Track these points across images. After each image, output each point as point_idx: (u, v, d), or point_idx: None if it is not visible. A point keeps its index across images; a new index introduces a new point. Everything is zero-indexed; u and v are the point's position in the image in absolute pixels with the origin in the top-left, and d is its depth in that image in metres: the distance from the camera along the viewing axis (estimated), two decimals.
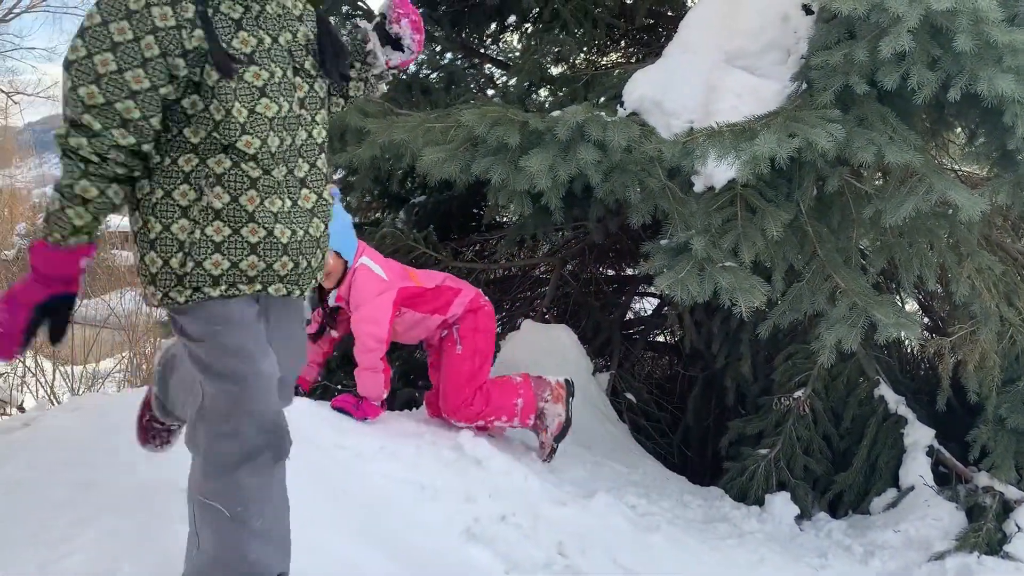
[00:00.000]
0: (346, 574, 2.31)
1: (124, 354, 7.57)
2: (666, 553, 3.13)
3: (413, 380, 5.02)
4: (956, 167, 4.57)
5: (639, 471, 3.95)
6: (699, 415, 4.80)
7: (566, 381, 3.70)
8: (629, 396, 4.79)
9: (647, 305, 5.81)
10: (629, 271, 5.90)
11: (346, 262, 3.24)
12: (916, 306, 4.77)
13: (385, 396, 3.32)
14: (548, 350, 4.43)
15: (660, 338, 5.57)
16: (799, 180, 3.64)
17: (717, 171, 3.56)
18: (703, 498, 3.89)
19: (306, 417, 2.92)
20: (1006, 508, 3.55)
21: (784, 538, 3.62)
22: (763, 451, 4.08)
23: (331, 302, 3.35)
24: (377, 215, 6.07)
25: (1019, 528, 3.44)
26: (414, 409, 3.78)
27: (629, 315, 5.56)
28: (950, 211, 3.56)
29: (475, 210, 6.11)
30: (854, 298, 3.37)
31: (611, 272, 5.83)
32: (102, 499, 2.27)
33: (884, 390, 4.12)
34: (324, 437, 2.82)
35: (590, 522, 3.12)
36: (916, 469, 3.82)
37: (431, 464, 3.01)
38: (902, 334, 3.22)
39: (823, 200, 3.68)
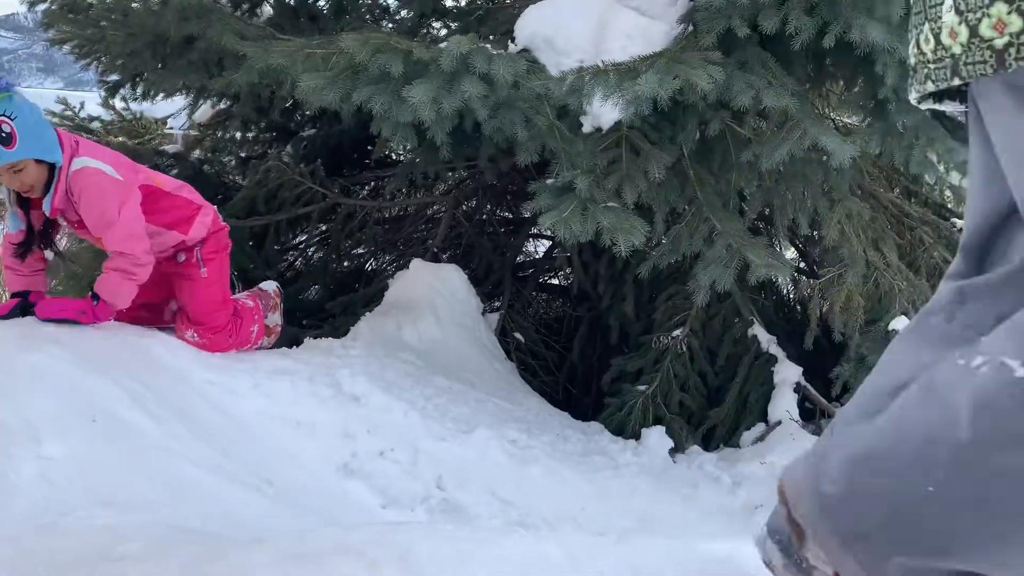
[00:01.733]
0: (215, 511, 2.26)
1: None
2: (543, 485, 3.21)
3: (297, 319, 4.93)
4: (836, 116, 4.73)
5: (522, 407, 4.01)
6: (584, 354, 4.90)
7: (278, 287, 3.60)
8: (518, 336, 4.84)
9: (539, 247, 5.84)
10: (522, 213, 5.91)
11: (52, 165, 2.76)
12: (793, 251, 4.97)
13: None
14: (437, 289, 4.41)
15: (551, 280, 5.62)
16: (682, 123, 3.69)
17: (603, 111, 3.57)
18: (583, 432, 3.99)
19: (175, 352, 2.82)
20: None
21: (658, 470, 3.75)
22: (641, 387, 4.20)
23: (47, 211, 2.82)
24: (262, 149, 5.86)
25: None
26: (294, 347, 3.71)
27: (521, 257, 5.58)
28: (824, 158, 3.69)
29: (368, 147, 5.97)
30: (729, 240, 3.47)
31: (506, 214, 5.82)
32: None
33: (757, 330, 4.29)
34: (193, 373, 2.74)
35: (469, 456, 3.16)
36: (784, 405, 4.01)
37: (307, 401, 2.97)
38: (773, 275, 3.33)
39: (705, 143, 3.74)
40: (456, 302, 4.49)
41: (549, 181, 3.46)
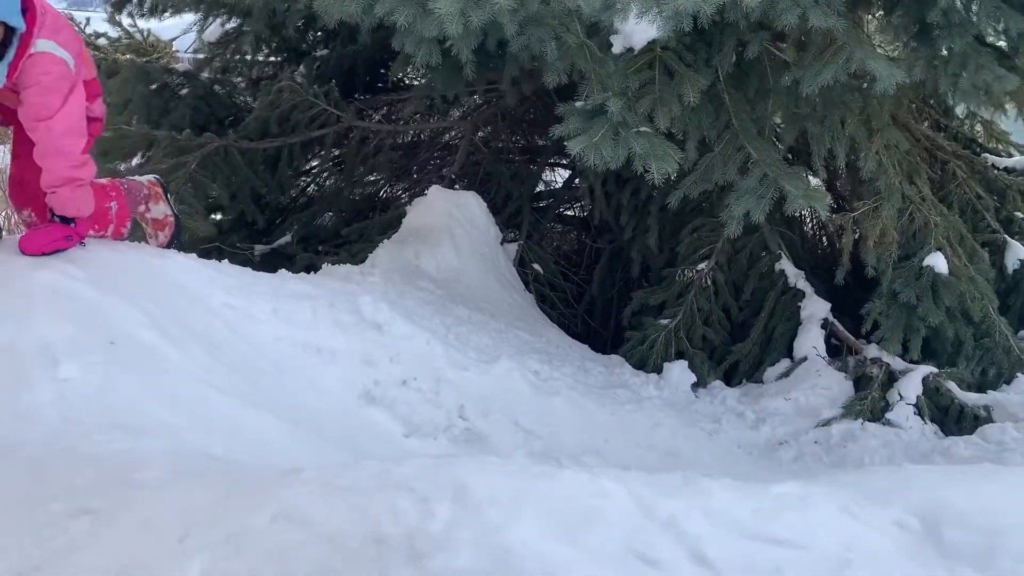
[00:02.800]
0: (235, 434, 2.19)
1: None
2: (566, 416, 3.14)
3: (312, 245, 4.83)
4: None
5: (543, 339, 3.93)
6: (604, 287, 4.80)
7: (155, 177, 3.20)
8: (536, 267, 4.73)
9: (557, 177, 5.68)
10: (540, 142, 5.74)
11: (13, 29, 2.40)
12: (820, 182, 4.80)
13: None
14: (456, 217, 4.29)
15: (569, 211, 5.48)
16: (719, 45, 3.51)
17: (636, 29, 3.38)
18: (604, 365, 3.92)
19: (192, 274, 2.73)
20: (891, 378, 3.71)
21: (680, 404, 3.69)
22: (664, 321, 4.11)
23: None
24: (273, 70, 5.66)
25: (901, 397, 3.60)
26: (311, 273, 3.61)
27: (540, 186, 5.43)
28: (864, 84, 3.52)
29: (381, 70, 5.77)
30: (765, 169, 3.32)
31: (523, 142, 5.65)
32: None
33: (785, 264, 4.18)
34: (211, 296, 2.65)
35: (492, 386, 3.09)
36: (810, 341, 3.92)
37: (328, 327, 2.88)
38: (811, 206, 3.20)
39: (741, 67, 3.56)
40: (475, 230, 4.38)
41: (578, 104, 3.29)
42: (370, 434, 2.74)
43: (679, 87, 3.34)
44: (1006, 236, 4.53)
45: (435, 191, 4.43)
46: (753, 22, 3.26)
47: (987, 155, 5.71)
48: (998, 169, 5.59)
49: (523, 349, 3.57)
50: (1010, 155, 5.95)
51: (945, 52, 3.43)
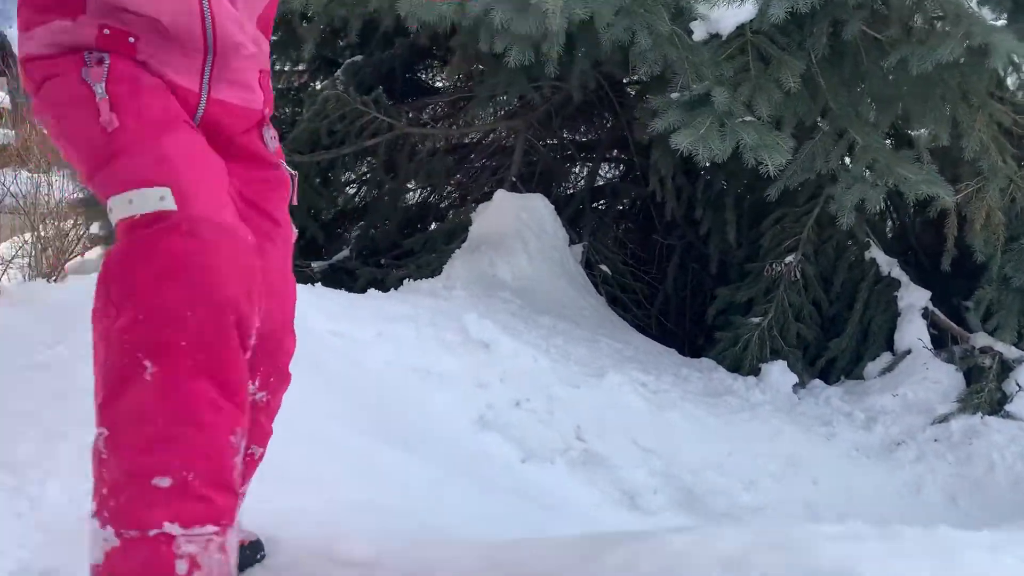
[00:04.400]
0: (360, 468, 2.01)
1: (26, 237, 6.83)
2: (684, 431, 2.95)
3: (371, 258, 4.64)
4: None
5: (631, 346, 3.74)
6: (677, 285, 4.60)
7: None
8: (604, 268, 4.54)
9: (615, 172, 5.48)
10: (593, 136, 5.54)
11: None
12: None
13: None
14: (525, 221, 4.10)
15: (632, 207, 5.28)
16: (811, 26, 3.32)
17: (725, 15, 3.21)
18: (698, 370, 3.72)
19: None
20: (1004, 368, 3.51)
21: (786, 407, 3.50)
22: (755, 319, 3.91)
23: None
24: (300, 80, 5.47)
25: (1020, 387, 3.41)
26: (392, 290, 3.42)
27: (599, 180, 5.23)
28: (962, 60, 3.32)
29: (417, 73, 5.59)
30: (874, 155, 3.13)
31: (575, 137, 5.45)
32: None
33: (876, 252, 3.98)
34: (317, 323, 2.45)
35: (605, 402, 2.90)
36: (913, 332, 3.73)
37: (434, 349, 2.69)
38: (935, 193, 3.00)
39: (835, 49, 3.37)
40: (544, 234, 4.18)
41: (674, 95, 3.10)
42: (485, 461, 2.55)
43: (777, 72, 3.16)
44: None
45: (501, 195, 4.23)
46: (853, 2, 3.07)
47: None
48: None
49: (620, 359, 3.38)
50: None
51: None
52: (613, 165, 5.33)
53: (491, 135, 5.37)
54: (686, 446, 2.89)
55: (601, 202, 5.01)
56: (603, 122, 5.13)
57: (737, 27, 3.26)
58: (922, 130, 3.41)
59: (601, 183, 5.15)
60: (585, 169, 5.13)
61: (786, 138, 2.96)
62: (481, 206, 4.28)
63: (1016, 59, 2.85)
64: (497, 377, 2.73)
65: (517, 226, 4.09)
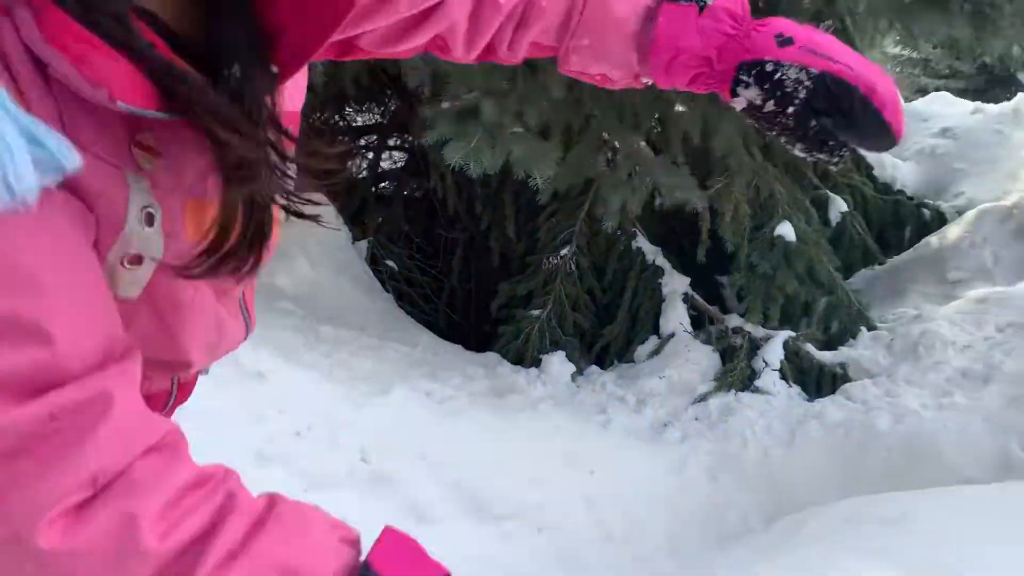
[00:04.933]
0: None
1: None
2: (471, 438, 3.03)
3: None
4: None
5: (419, 348, 3.77)
6: (461, 278, 4.67)
7: None
8: (390, 263, 4.51)
9: (397, 158, 5.41)
10: (362, 119, 5.43)
11: None
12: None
13: None
14: (307, 227, 3.96)
15: (417, 194, 5.24)
16: None
17: None
18: (482, 366, 3.82)
19: None
20: (754, 346, 3.88)
21: (565, 398, 3.68)
22: (535, 312, 4.06)
23: None
24: None
25: (766, 364, 3.79)
26: None
27: (382, 166, 5.14)
28: None
29: None
30: (635, 161, 3.31)
31: (351, 123, 5.31)
32: None
33: (642, 242, 4.24)
34: None
35: (391, 420, 2.91)
36: (676, 317, 4.03)
37: (203, 384, 2.56)
38: (686, 198, 3.23)
39: None
40: (326, 235, 4.09)
41: (445, 105, 3.11)
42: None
43: (545, 80, 3.24)
44: (827, 191, 4.87)
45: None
46: None
47: None
48: None
49: (406, 367, 3.40)
50: None
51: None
52: (396, 154, 5.26)
53: None
54: (472, 452, 2.97)
55: (384, 186, 4.94)
56: (386, 101, 5.00)
57: None
58: (679, 132, 3.63)
59: (385, 169, 5.07)
60: (368, 161, 5.02)
61: (553, 148, 3.06)
62: None
63: None
64: (275, 408, 2.66)
65: (295, 228, 3.96)
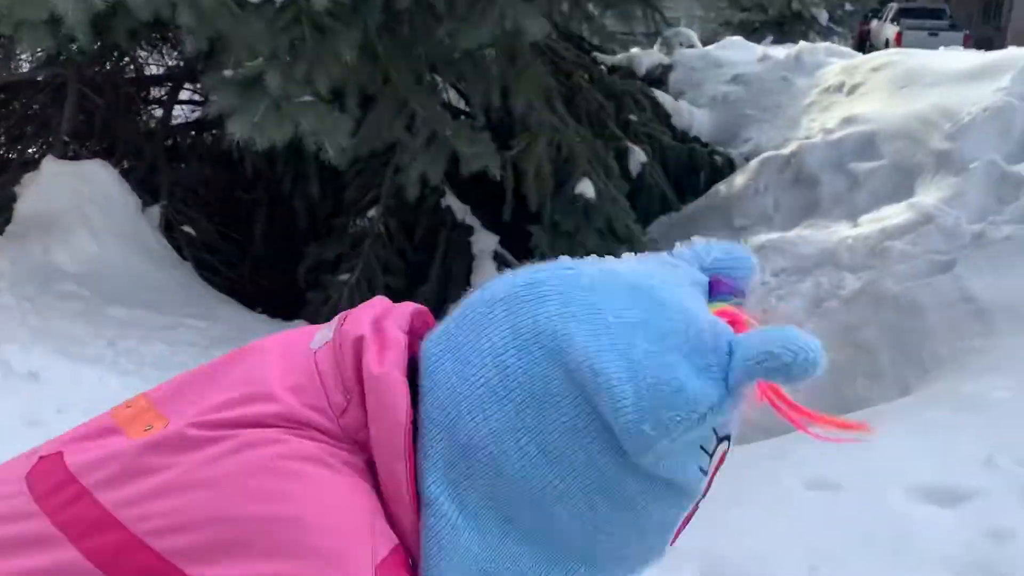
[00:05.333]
0: None
1: None
2: None
3: None
4: None
5: (219, 322, 3.61)
6: (267, 241, 4.50)
7: None
8: (188, 230, 4.27)
9: (189, 110, 5.08)
10: (153, 69, 5.05)
11: None
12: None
13: None
14: (84, 194, 3.67)
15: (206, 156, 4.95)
16: None
17: None
18: None
19: None
20: None
21: None
22: (344, 276, 3.99)
23: None
24: None
25: None
26: None
27: (174, 118, 4.81)
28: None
29: None
30: (433, 126, 3.28)
31: (138, 74, 4.92)
32: None
33: (451, 200, 4.24)
34: None
35: None
36: (486, 275, 4.08)
37: None
38: (483, 165, 3.24)
39: (392, 15, 3.41)
40: (111, 205, 3.81)
41: (227, 73, 2.93)
42: None
43: (335, 43, 3.11)
44: (628, 143, 5.04)
45: (50, 164, 3.73)
46: None
47: (596, 53, 6.23)
48: (607, 68, 6.15)
49: (203, 347, 3.25)
50: (614, 52, 6.56)
51: None
52: (190, 107, 4.93)
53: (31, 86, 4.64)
54: None
55: (174, 145, 4.63)
56: (178, 44, 4.63)
57: None
58: (478, 95, 3.62)
59: (178, 124, 4.75)
60: (155, 118, 4.68)
61: (346, 118, 2.97)
62: (27, 178, 3.74)
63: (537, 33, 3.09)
64: (53, 408, 2.48)
65: (76, 200, 3.66)
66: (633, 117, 5.35)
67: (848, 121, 4.81)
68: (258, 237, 4.47)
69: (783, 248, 4.10)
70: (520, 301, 0.59)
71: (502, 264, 4.22)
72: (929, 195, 4.09)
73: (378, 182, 4.13)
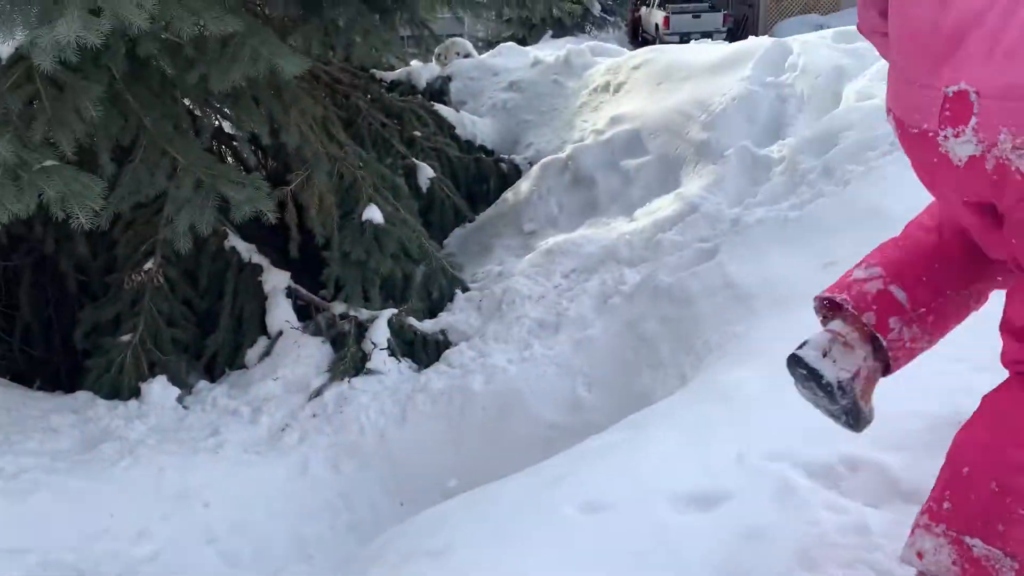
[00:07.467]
0: None
1: None
2: (56, 513, 2.75)
3: None
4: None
5: None
6: (36, 307, 4.15)
7: None
8: None
9: None
10: None
11: None
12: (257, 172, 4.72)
13: None
14: None
15: None
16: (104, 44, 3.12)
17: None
18: (72, 411, 3.47)
19: None
20: (362, 329, 3.98)
21: (172, 427, 3.49)
22: (125, 337, 3.76)
23: None
24: None
25: (374, 344, 3.91)
26: None
27: None
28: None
29: None
30: (197, 174, 3.15)
31: None
32: None
33: (235, 241, 4.09)
34: None
35: None
36: (281, 314, 3.97)
37: None
38: (257, 211, 3.15)
39: (138, 63, 3.23)
40: None
41: None
42: None
43: (74, 99, 2.92)
44: (413, 160, 5.07)
45: None
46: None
47: (374, 71, 6.21)
48: (385, 85, 6.14)
49: None
50: (392, 67, 6.56)
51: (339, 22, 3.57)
52: None
53: None
54: (62, 527, 2.71)
55: None
56: None
57: (17, 48, 2.90)
58: (245, 133, 3.51)
59: None
60: None
61: (95, 179, 2.78)
62: None
63: (295, 70, 3.03)
64: None
65: None
66: (417, 133, 5.38)
67: (615, 120, 5.08)
68: (25, 306, 4.11)
69: (569, 250, 4.27)
70: None
71: (296, 300, 4.13)
72: (692, 185, 4.40)
73: (151, 233, 3.91)
